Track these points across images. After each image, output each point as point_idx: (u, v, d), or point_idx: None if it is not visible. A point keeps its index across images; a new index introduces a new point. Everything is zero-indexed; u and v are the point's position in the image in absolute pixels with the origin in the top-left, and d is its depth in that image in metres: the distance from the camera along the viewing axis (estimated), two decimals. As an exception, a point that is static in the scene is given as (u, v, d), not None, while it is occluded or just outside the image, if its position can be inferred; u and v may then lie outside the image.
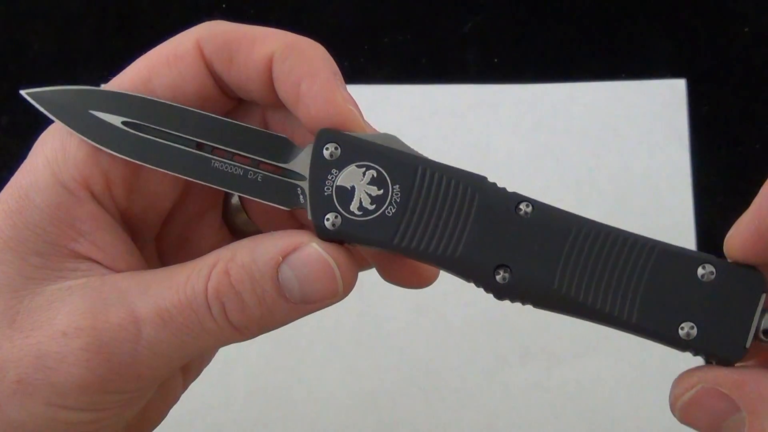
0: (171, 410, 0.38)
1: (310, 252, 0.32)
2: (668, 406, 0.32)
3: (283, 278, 0.32)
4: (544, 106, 0.61)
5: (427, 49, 0.64)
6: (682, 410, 0.31)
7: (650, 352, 0.56)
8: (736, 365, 0.31)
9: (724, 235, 0.32)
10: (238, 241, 0.33)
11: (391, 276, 0.36)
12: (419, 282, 0.36)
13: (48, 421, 0.32)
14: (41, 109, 0.34)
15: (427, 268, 0.36)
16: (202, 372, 0.41)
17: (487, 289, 0.32)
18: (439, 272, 0.38)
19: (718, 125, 0.61)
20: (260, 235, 0.33)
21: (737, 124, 0.61)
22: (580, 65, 0.63)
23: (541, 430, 0.54)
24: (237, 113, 0.36)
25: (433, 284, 0.58)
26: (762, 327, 0.31)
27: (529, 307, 0.32)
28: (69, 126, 0.33)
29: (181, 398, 0.39)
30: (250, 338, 0.33)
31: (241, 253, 0.32)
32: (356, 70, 0.63)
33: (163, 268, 0.33)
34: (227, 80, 0.34)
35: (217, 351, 0.40)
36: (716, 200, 0.59)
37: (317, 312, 0.39)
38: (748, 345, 0.31)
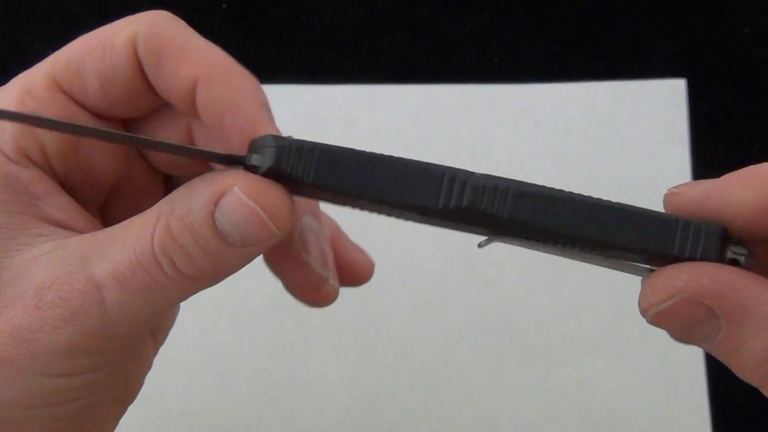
0: (172, 410, 0.38)
1: (233, 198, 0.31)
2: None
3: (220, 224, 0.31)
4: (544, 106, 0.61)
5: (427, 49, 0.64)
6: (655, 317, 0.30)
7: (651, 352, 0.56)
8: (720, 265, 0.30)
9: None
10: (176, 190, 0.32)
11: (291, 285, 0.36)
12: (318, 298, 0.36)
13: (41, 391, 0.32)
14: None
15: (329, 286, 0.37)
16: (203, 372, 0.41)
17: (451, 192, 0.32)
18: (338, 292, 0.37)
19: (718, 125, 0.61)
20: (195, 179, 0.32)
21: (737, 123, 0.61)
22: (580, 65, 0.63)
23: (541, 430, 0.54)
24: (164, 112, 0.36)
25: (434, 284, 0.58)
26: (728, 257, 0.30)
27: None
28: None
29: (181, 398, 0.39)
30: (216, 284, 0.33)
31: (178, 205, 0.32)
32: (356, 70, 0.63)
33: (120, 224, 0.33)
34: (153, 84, 0.34)
35: (178, 307, 0.40)
36: (716, 200, 0.59)
37: (316, 312, 0.39)
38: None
